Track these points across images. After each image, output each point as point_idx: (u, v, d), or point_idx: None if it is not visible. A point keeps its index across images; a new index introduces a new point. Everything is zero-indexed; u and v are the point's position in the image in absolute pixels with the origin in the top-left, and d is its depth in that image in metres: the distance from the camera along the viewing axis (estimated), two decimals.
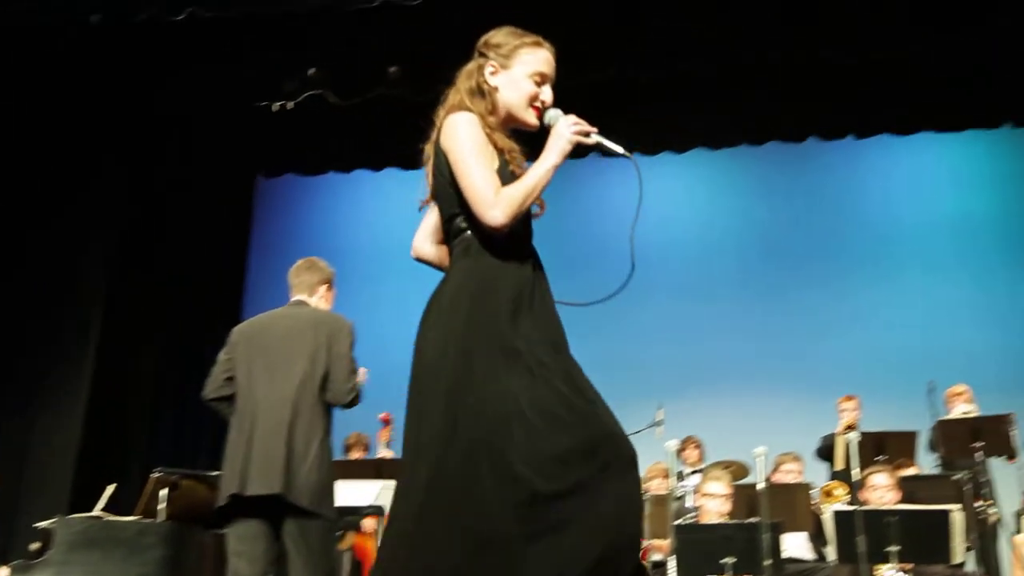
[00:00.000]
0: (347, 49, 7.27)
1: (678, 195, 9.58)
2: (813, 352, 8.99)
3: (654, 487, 6.70)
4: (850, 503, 6.15)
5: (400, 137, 8.44)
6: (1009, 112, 7.94)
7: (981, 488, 6.53)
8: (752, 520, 5.55)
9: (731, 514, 5.87)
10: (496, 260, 2.56)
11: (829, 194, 9.50)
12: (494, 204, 2.51)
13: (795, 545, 6.20)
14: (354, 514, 5.59)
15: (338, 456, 6.81)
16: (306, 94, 7.39)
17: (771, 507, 5.69)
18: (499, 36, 2.74)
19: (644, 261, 9.68)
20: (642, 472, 6.97)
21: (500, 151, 2.61)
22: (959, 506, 5.47)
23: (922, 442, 7.19)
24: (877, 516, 5.32)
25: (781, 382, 8.97)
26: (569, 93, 2.87)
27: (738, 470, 7.06)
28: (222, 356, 4.33)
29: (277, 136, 8.54)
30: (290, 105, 7.54)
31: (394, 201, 10.00)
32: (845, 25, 7.13)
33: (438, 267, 2.85)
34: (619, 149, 2.61)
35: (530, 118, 2.69)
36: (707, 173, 9.50)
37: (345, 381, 4.20)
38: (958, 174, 9.16)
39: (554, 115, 2.66)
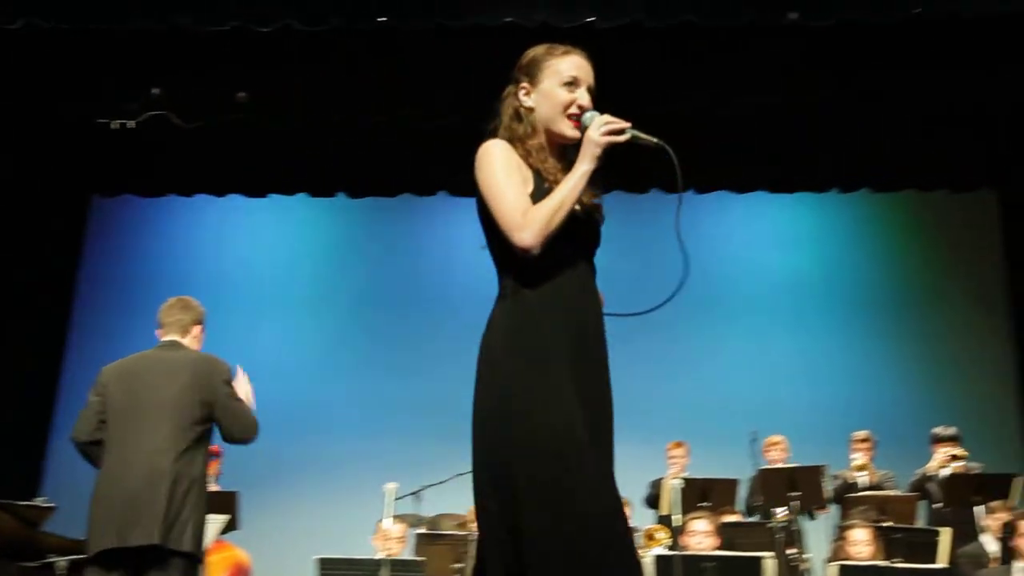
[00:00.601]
0: (194, 71, 7.12)
1: None
2: (645, 399, 9.17)
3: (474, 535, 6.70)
4: (671, 548, 6.29)
5: (245, 163, 8.42)
6: (835, 179, 8.38)
7: (794, 536, 6.80)
8: None
9: None
10: (534, 297, 2.48)
11: (667, 244, 9.79)
12: (522, 226, 2.40)
13: None
14: None
15: None
16: (148, 114, 7.18)
17: None
18: (528, 56, 2.66)
19: (483, 298, 9.71)
20: (467, 512, 7.01)
21: (536, 172, 2.51)
22: (772, 553, 5.67)
23: (743, 489, 7.43)
24: (695, 561, 5.48)
25: (616, 426, 9.11)
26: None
27: None
28: (92, 398, 4.17)
29: (116, 155, 8.27)
30: (132, 124, 7.32)
31: (237, 228, 9.91)
32: (694, 83, 7.40)
33: None
34: (653, 140, 2.52)
35: (567, 129, 2.56)
36: None
37: (246, 421, 4.21)
38: (787, 233, 9.59)
39: (588, 118, 2.52)
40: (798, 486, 6.87)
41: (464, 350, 9.64)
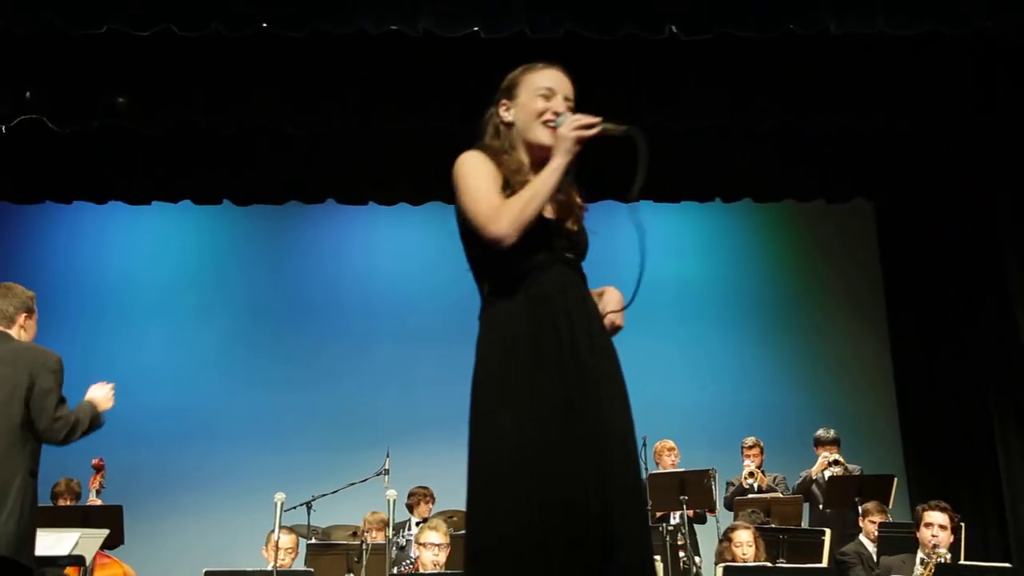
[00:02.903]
0: (70, 74, 6.89)
1: (414, 246, 9.68)
2: None
3: (372, 537, 6.63)
4: None
5: (126, 169, 8.18)
6: (718, 189, 8.56)
7: (683, 539, 6.90)
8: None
9: (448, 564, 5.89)
10: (508, 304, 2.48)
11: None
12: (494, 218, 2.41)
13: None
14: (53, 564, 5.21)
15: (45, 502, 6.38)
16: (21, 118, 6.91)
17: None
18: (508, 77, 2.70)
19: (374, 308, 9.67)
20: (360, 521, 6.96)
21: (505, 178, 2.51)
22: (659, 557, 5.75)
23: None
24: None
25: None
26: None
27: (460, 520, 7.11)
28: None
29: None
30: (2, 129, 7.04)
31: (119, 235, 9.64)
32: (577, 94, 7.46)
33: None
34: (622, 127, 2.54)
35: (543, 136, 2.58)
36: (443, 225, 9.61)
37: (51, 419, 3.92)
38: (673, 242, 9.76)
39: (560, 119, 2.56)
40: (687, 489, 6.98)
41: (354, 358, 9.63)
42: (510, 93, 2.66)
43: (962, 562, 5.82)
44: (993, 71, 7.36)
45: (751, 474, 7.75)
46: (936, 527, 5.66)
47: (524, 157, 2.61)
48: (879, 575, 5.93)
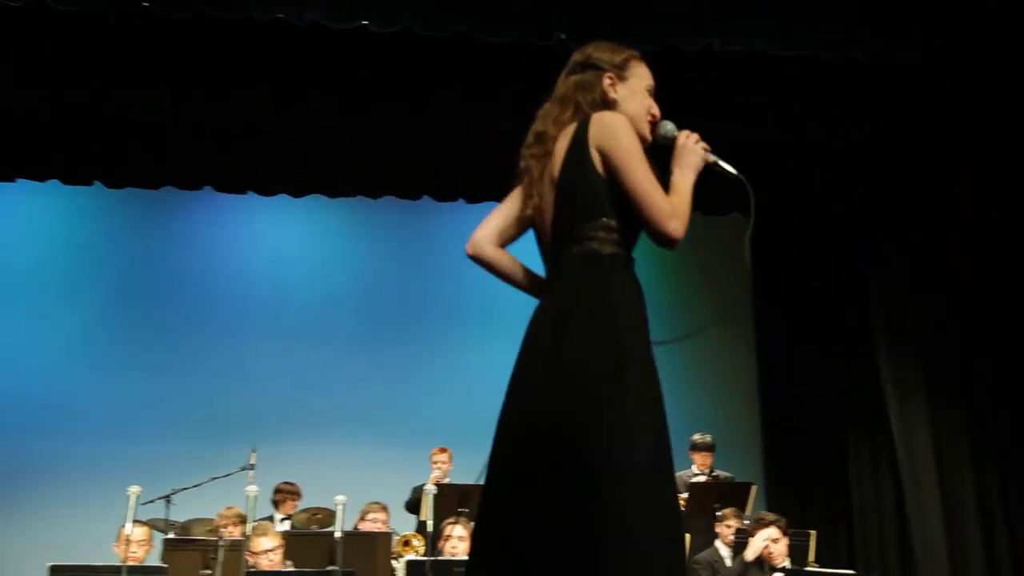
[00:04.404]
0: None
1: (294, 239, 9.57)
2: (411, 404, 9.23)
3: (228, 533, 6.51)
4: (428, 554, 6.32)
5: None
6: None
7: None
8: (328, 569, 5.56)
9: (301, 561, 5.84)
10: (629, 279, 2.46)
11: (440, 251, 9.88)
12: (673, 215, 2.39)
13: None
14: None
15: None
16: None
17: (351, 556, 5.74)
18: (605, 49, 2.67)
19: (252, 301, 9.49)
20: (215, 517, 6.85)
21: None
22: None
23: None
24: (447, 567, 5.52)
25: (381, 431, 9.11)
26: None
27: (325, 517, 7.07)
28: None
29: None
30: None
31: None
32: (465, 94, 7.47)
33: (496, 271, 2.78)
34: (732, 171, 2.58)
35: (645, 131, 2.59)
36: (324, 220, 9.54)
37: None
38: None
39: (671, 128, 2.60)
40: None
41: (226, 350, 9.44)
42: (621, 72, 2.63)
43: (808, 568, 6.02)
44: (868, 93, 7.62)
45: None
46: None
47: None
48: None
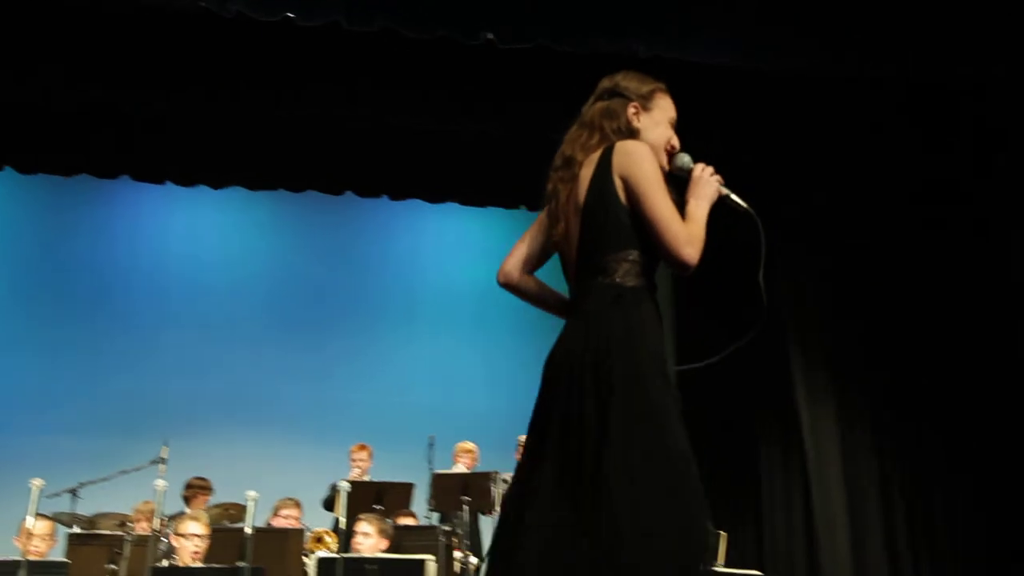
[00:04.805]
0: None
1: (210, 230, 9.43)
2: (332, 399, 9.18)
3: (142, 528, 6.41)
4: (341, 551, 6.29)
5: None
6: (524, 197, 8.70)
7: (464, 539, 6.99)
8: (237, 564, 5.50)
9: (211, 557, 5.76)
10: (649, 312, 2.55)
11: (362, 247, 9.85)
12: (688, 241, 2.50)
13: None
14: None
15: None
16: None
17: (262, 552, 5.69)
18: (633, 79, 2.79)
19: (168, 292, 9.32)
20: (130, 511, 6.74)
21: None
22: (434, 556, 5.80)
23: (421, 493, 7.56)
24: (358, 563, 5.50)
25: (300, 427, 9.04)
26: None
27: (237, 513, 6.99)
28: None
29: None
30: None
31: None
32: (392, 90, 7.43)
33: (527, 297, 2.93)
34: (744, 205, 2.71)
35: (664, 161, 2.71)
36: (243, 212, 9.43)
37: None
38: (477, 245, 9.88)
39: (687, 160, 2.73)
40: (470, 491, 7.07)
41: (140, 341, 9.25)
42: (646, 103, 2.76)
43: (715, 568, 6.12)
44: (790, 107, 7.74)
45: None
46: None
47: None
48: None
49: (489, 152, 8.06)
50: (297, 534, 6.42)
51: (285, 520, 7.00)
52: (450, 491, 7.15)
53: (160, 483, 5.85)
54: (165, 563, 5.78)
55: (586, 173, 2.64)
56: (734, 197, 2.73)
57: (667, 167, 2.72)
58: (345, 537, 6.32)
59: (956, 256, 7.60)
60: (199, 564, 5.52)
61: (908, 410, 7.74)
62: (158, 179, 8.26)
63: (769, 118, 7.67)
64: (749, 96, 7.47)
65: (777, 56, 6.67)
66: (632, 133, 2.71)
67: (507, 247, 10.26)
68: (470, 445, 8.05)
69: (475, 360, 9.66)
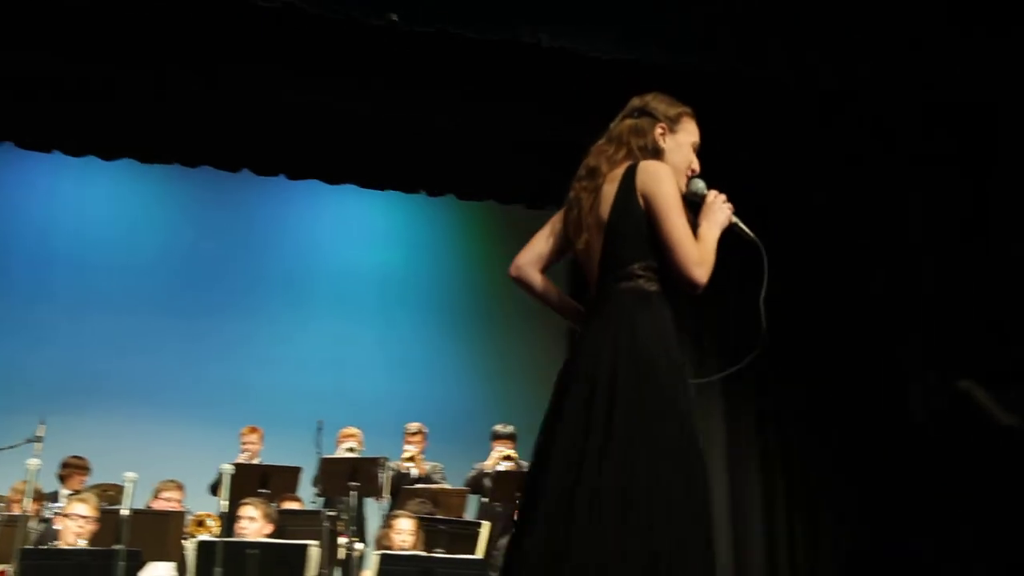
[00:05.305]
0: None
1: (99, 203, 9.14)
2: (221, 380, 9.01)
3: (20, 508, 6.19)
4: (224, 535, 6.19)
5: None
6: (424, 182, 8.64)
7: (350, 524, 6.94)
8: (114, 547, 5.36)
9: (95, 540, 5.62)
10: (669, 317, 2.70)
11: (257, 227, 9.66)
12: (700, 262, 2.63)
13: (160, 574, 6.08)
14: None
15: None
16: None
17: (140, 535, 5.57)
18: (662, 101, 2.90)
19: (52, 265, 8.98)
20: (6, 491, 6.51)
21: None
22: (317, 542, 5.74)
23: (308, 477, 7.47)
24: (238, 548, 5.41)
25: (189, 407, 8.86)
26: None
27: (116, 494, 6.80)
28: None
29: None
30: None
31: None
32: (295, 70, 7.30)
33: (535, 294, 2.98)
34: (750, 233, 2.84)
35: (683, 184, 2.83)
36: (134, 185, 9.16)
37: None
38: (376, 229, 9.80)
39: (702, 186, 2.86)
40: (358, 476, 7.03)
41: (17, 315, 8.88)
42: (673, 125, 2.88)
43: None
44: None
45: (410, 459, 7.90)
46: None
47: None
48: None
49: (388, 135, 7.98)
50: (177, 517, 6.29)
51: (166, 503, 6.86)
52: (338, 476, 7.11)
53: (33, 462, 5.66)
54: (48, 545, 5.60)
55: (609, 190, 2.77)
56: (742, 225, 2.86)
57: (684, 189, 2.85)
58: (228, 521, 6.21)
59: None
60: (84, 545, 5.36)
61: (789, 403, 7.98)
62: (45, 147, 7.95)
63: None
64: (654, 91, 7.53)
65: (681, 52, 6.75)
66: (657, 152, 2.84)
67: (406, 230, 10.28)
68: (354, 430, 7.99)
69: (370, 345, 9.59)
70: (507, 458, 7.87)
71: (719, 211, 2.80)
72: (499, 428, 8.10)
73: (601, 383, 2.60)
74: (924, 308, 7.37)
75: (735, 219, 2.84)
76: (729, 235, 2.84)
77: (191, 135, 7.91)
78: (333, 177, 8.31)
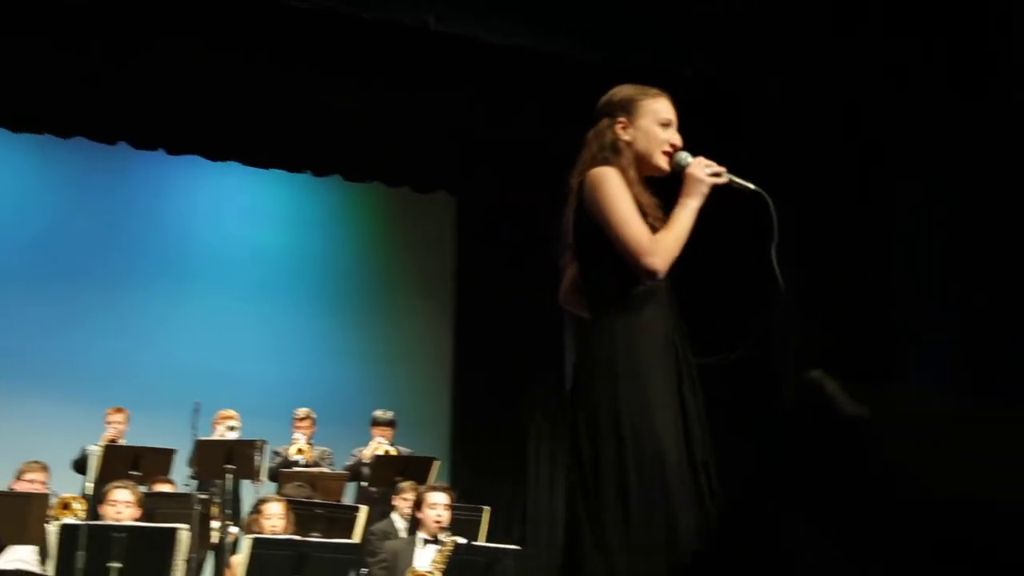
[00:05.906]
0: None
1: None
2: (95, 359, 8.72)
3: None
4: (90, 519, 6.00)
5: None
6: (309, 161, 8.51)
7: (224, 508, 6.81)
8: None
9: None
10: (636, 322, 2.65)
11: (135, 203, 9.35)
12: (651, 251, 2.59)
13: (21, 558, 5.87)
14: None
15: None
16: None
17: (2, 518, 5.38)
18: (621, 93, 2.84)
19: None
20: None
21: (639, 205, 2.67)
22: (187, 525, 5.61)
23: (182, 459, 7.30)
24: (104, 531, 5.25)
25: (48, 384, 8.56)
26: None
27: None
28: None
29: None
30: None
31: None
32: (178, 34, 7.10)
33: (583, 315, 2.90)
34: (751, 186, 2.74)
35: (662, 163, 2.77)
36: (2, 153, 8.78)
37: None
38: (258, 208, 9.60)
39: (684, 157, 2.76)
40: (234, 459, 6.91)
41: None
42: (630, 115, 2.79)
43: (475, 543, 6.22)
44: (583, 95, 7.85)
45: (300, 450, 7.82)
46: (440, 507, 6.08)
47: (638, 172, 2.77)
48: (384, 558, 6.18)
49: (273, 113, 7.83)
50: (41, 499, 6.05)
51: (29, 484, 6.60)
52: (213, 458, 6.99)
53: None
54: None
55: (569, 210, 2.81)
56: (738, 180, 2.77)
57: (667, 168, 2.79)
58: (94, 503, 6.03)
59: None
60: None
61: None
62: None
63: (577, 104, 7.77)
64: (550, 79, 7.55)
65: (573, 42, 6.79)
66: (617, 150, 2.77)
67: (290, 210, 10.11)
68: (231, 412, 7.84)
69: (252, 326, 9.40)
70: (386, 452, 7.82)
71: (698, 183, 2.71)
72: (379, 414, 8.06)
73: (582, 410, 2.67)
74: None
75: (726, 178, 2.75)
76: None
77: (63, 104, 7.62)
78: (215, 154, 8.13)
